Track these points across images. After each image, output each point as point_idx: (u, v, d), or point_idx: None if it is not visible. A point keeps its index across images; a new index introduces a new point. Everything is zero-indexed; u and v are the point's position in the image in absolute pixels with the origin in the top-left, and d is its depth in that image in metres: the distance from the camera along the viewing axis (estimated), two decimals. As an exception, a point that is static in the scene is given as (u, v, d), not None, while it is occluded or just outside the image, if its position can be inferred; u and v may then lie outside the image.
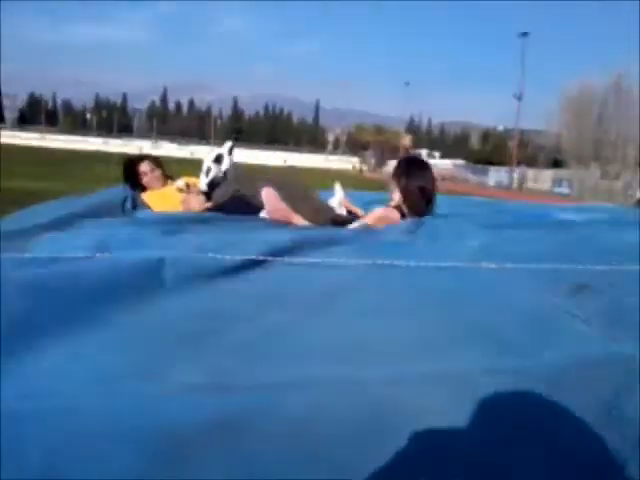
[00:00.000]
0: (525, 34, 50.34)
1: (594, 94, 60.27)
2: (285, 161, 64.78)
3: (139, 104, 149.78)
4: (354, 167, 65.83)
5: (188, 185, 3.49)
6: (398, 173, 2.72)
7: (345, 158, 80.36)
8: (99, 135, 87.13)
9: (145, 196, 3.51)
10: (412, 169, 2.74)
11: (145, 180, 3.69)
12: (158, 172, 3.74)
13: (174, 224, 2.30)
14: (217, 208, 3.04)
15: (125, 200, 3.31)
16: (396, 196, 2.72)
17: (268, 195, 2.62)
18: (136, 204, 3.39)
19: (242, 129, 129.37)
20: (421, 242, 2.09)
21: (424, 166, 2.79)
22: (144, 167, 3.71)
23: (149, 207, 3.38)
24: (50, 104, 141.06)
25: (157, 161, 3.82)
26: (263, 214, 2.67)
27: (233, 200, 3.02)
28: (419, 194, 2.68)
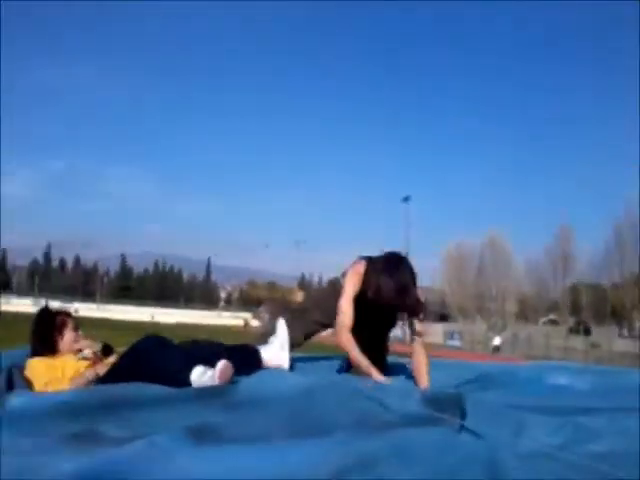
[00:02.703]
0: (407, 198, 51.87)
1: (472, 252, 64.74)
2: (152, 317, 65.13)
3: (21, 261, 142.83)
4: (245, 322, 66.30)
5: (95, 354, 2.72)
6: None
7: (238, 314, 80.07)
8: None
9: (33, 365, 2.69)
10: None
11: (66, 339, 2.83)
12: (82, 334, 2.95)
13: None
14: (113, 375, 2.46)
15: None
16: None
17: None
18: (12, 381, 2.59)
19: (130, 287, 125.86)
20: (469, 442, 1.38)
21: None
22: (70, 324, 2.89)
23: (30, 382, 2.59)
24: None
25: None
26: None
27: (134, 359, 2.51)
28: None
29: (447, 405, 1.67)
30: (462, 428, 1.50)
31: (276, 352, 2.76)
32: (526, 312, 60.31)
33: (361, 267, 2.91)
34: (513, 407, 1.74)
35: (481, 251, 64.12)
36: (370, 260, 2.92)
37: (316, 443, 1.36)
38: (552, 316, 59.93)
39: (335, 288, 3.10)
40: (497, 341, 42.29)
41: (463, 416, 1.57)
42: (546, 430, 1.50)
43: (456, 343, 48.20)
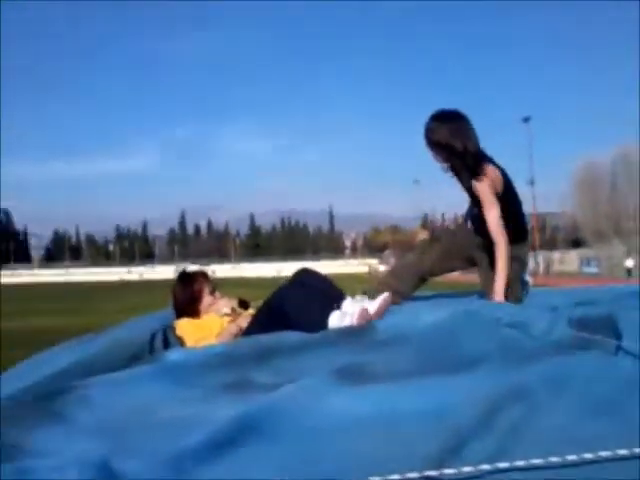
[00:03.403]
0: (527, 119, 49.58)
1: (602, 170, 60.09)
2: (279, 272, 64.61)
3: (159, 230, 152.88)
4: (369, 268, 66.42)
5: (234, 309, 2.86)
6: None
7: (365, 261, 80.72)
8: (122, 264, 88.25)
9: (182, 325, 2.88)
10: None
11: (204, 302, 2.98)
12: (219, 295, 3.08)
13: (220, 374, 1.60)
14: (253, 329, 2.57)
15: (154, 336, 2.64)
16: None
17: None
18: (168, 340, 2.78)
19: (259, 244, 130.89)
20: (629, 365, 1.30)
21: None
22: (207, 288, 3.02)
23: (182, 340, 2.78)
24: (74, 239, 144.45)
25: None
26: None
27: (273, 316, 2.59)
28: None
29: (598, 326, 1.58)
30: (619, 350, 1.41)
31: (355, 308, 2.52)
32: (672, 228, 55.73)
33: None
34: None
35: (612, 168, 59.44)
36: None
37: (464, 377, 1.34)
38: (703, 229, 54.91)
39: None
40: (630, 263, 39.01)
41: (618, 337, 1.48)
42: None
43: (593, 270, 45.53)
